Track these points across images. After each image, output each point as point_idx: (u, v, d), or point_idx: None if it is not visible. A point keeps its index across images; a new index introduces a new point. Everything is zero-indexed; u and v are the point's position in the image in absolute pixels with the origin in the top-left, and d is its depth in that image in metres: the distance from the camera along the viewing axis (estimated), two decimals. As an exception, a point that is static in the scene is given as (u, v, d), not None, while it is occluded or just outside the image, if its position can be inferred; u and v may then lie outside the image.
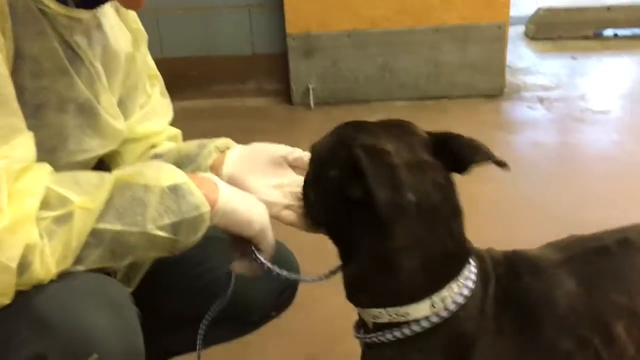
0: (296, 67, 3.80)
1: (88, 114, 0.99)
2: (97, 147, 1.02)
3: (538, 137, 3.30)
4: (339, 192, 0.81)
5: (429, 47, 3.77)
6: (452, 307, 0.80)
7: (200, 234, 0.86)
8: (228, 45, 3.93)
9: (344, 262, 0.87)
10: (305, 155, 1.04)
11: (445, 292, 0.80)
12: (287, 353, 1.66)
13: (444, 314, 0.80)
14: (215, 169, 1.07)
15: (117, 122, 1.06)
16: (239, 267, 0.97)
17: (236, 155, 1.08)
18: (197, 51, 3.92)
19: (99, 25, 1.02)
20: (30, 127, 0.84)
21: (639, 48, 4.88)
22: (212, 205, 0.86)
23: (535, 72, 4.35)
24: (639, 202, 2.41)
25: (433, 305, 0.79)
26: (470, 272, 0.83)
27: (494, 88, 3.85)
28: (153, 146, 1.18)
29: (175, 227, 0.82)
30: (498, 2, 3.67)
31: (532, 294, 0.86)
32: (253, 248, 0.93)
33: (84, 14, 0.95)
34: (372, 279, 0.81)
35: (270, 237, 0.92)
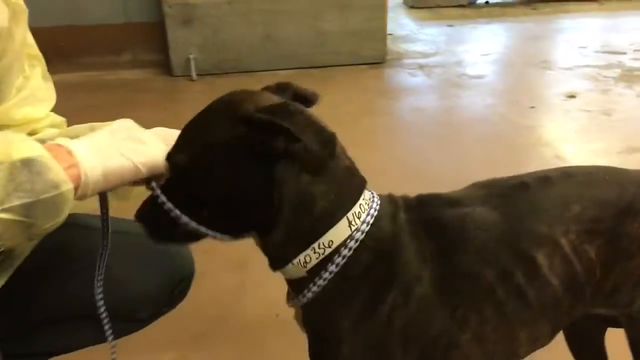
0: (174, 36, 3.63)
1: None
2: None
3: (419, 103, 3.39)
4: (244, 165, 0.78)
5: (311, 15, 3.74)
6: (368, 219, 0.82)
7: (62, 215, 0.75)
8: (98, 14, 3.67)
9: (262, 233, 0.83)
10: None
11: (357, 208, 0.82)
12: (174, 333, 1.59)
13: (363, 227, 0.81)
14: None
15: None
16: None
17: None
18: (64, 20, 3.62)
19: None
20: None
21: (508, 15, 5.16)
22: (76, 179, 0.75)
23: (415, 39, 4.47)
24: (513, 161, 2.54)
25: (350, 223, 0.81)
26: (371, 193, 0.86)
27: (377, 56, 3.90)
28: (31, 133, 1.05)
29: (27, 209, 0.71)
30: (377, -31, 3.70)
31: (449, 223, 0.86)
32: (154, 184, 0.83)
33: None
34: (293, 225, 0.80)
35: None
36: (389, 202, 0.87)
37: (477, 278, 0.84)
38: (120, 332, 1.11)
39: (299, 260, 0.82)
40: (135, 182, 0.84)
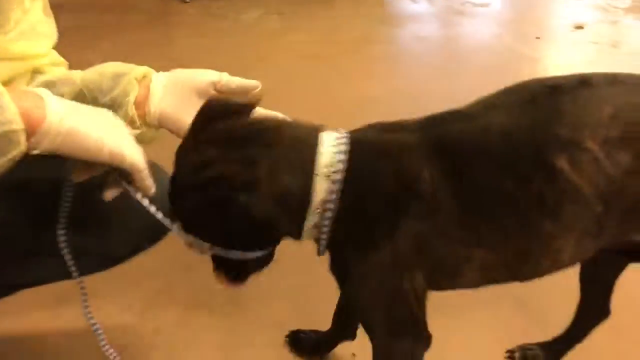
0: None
1: None
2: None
3: (421, 31, 3.27)
4: None
5: None
6: (340, 161, 0.82)
7: (9, 155, 0.70)
8: None
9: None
10: (234, 81, 0.91)
11: (322, 160, 0.82)
12: (162, 262, 1.57)
13: (337, 170, 0.82)
14: (140, 107, 0.90)
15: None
16: (110, 195, 0.83)
17: (161, 87, 0.92)
18: None
19: None
20: None
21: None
22: (36, 124, 0.70)
23: (418, -37, 4.29)
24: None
25: (327, 176, 0.82)
26: (335, 134, 0.85)
27: (378, -20, 3.74)
28: (36, 71, 0.97)
29: None
30: None
31: (461, 136, 0.82)
32: (119, 178, 0.80)
33: None
34: (290, 217, 0.83)
35: (137, 168, 0.79)
36: (379, 130, 0.86)
37: (494, 190, 0.80)
38: (96, 268, 1.08)
39: (308, 227, 0.84)
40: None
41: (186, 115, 0.88)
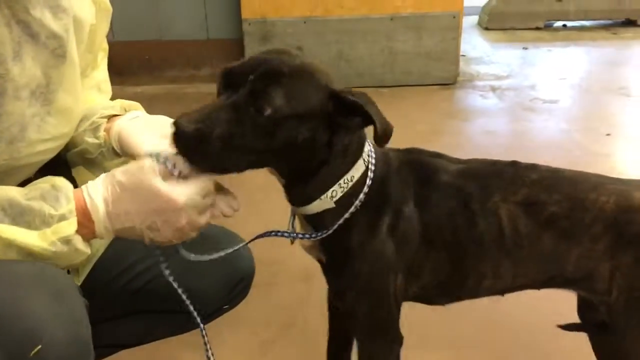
0: (252, 53, 3.74)
1: (44, 99, 0.95)
2: (55, 132, 0.98)
3: (490, 125, 3.37)
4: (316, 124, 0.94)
5: (385, 36, 3.80)
6: (372, 158, 1.03)
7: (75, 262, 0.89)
8: (182, 30, 3.86)
9: (297, 182, 1.00)
10: None
11: (366, 148, 1.03)
12: (243, 338, 1.66)
13: (372, 163, 1.03)
14: (112, 121, 1.06)
15: (76, 101, 1.03)
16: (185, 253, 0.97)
17: (136, 115, 1.07)
18: (151, 35, 3.84)
19: None
20: None
21: (586, 39, 5.04)
22: (89, 236, 0.88)
23: (488, 61, 4.44)
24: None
25: (364, 161, 1.01)
26: (368, 142, 1.06)
27: (448, 77, 3.91)
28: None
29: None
30: (452, -9, 3.72)
31: (427, 164, 1.09)
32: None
33: None
34: (334, 168, 0.99)
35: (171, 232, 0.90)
36: (383, 154, 1.08)
37: (441, 205, 1.05)
38: (182, 329, 1.19)
39: (327, 195, 0.99)
40: None
41: (140, 136, 1.00)
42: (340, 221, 1.00)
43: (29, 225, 0.82)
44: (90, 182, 0.89)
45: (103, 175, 0.89)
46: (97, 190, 0.87)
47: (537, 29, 5.24)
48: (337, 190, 0.99)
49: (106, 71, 1.19)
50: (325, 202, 0.99)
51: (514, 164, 1.11)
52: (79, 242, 0.85)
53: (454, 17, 3.77)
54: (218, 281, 1.18)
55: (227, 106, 0.87)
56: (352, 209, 1.00)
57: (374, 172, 1.02)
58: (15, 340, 0.74)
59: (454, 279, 1.09)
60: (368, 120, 0.92)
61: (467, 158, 1.14)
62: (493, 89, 3.86)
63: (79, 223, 0.85)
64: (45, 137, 0.96)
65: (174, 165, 0.87)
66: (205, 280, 1.15)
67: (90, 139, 1.05)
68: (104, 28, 1.12)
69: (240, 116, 0.87)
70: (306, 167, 0.96)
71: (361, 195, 1.00)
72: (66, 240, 0.84)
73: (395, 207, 1.04)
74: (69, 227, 0.84)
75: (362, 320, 1.08)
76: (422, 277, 1.08)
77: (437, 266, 1.07)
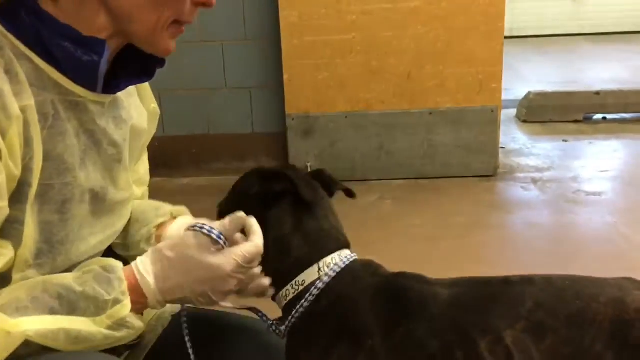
0: (295, 146, 3.89)
1: (100, 200, 1.02)
2: (103, 229, 1.04)
3: (532, 218, 3.34)
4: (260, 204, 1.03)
5: (424, 129, 3.88)
6: (332, 271, 1.01)
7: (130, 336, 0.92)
8: (228, 124, 4.04)
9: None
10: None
11: (328, 260, 1.02)
12: None
13: (332, 273, 1.01)
14: (162, 229, 1.15)
15: (127, 198, 1.11)
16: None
17: (185, 220, 1.15)
18: (198, 129, 4.02)
19: (124, 106, 1.06)
20: (56, 221, 0.91)
21: (627, 132, 5.03)
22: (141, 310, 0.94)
23: (527, 153, 4.46)
24: (634, 284, 2.41)
25: (319, 270, 1.01)
26: (349, 253, 1.06)
27: (488, 169, 3.93)
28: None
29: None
30: (490, 87, 3.81)
31: (411, 292, 1.00)
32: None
33: (109, 97, 0.99)
34: (276, 263, 1.02)
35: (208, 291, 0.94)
36: (364, 266, 1.06)
37: (422, 346, 0.95)
38: None
39: (283, 292, 1.02)
40: None
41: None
42: (288, 326, 1.02)
43: (84, 313, 0.86)
44: (139, 259, 0.94)
45: (150, 251, 0.95)
46: (147, 267, 0.93)
47: (577, 121, 5.27)
48: (290, 291, 1.02)
49: (147, 165, 1.28)
50: (281, 300, 1.04)
51: (507, 281, 1.02)
52: (133, 320, 0.90)
53: (492, 111, 3.85)
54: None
55: None
56: (296, 316, 1.01)
57: (330, 285, 1.00)
58: None
59: None
60: (289, 182, 1.00)
61: (458, 277, 1.06)
62: (534, 181, 3.86)
63: (132, 301, 0.89)
64: (95, 230, 1.02)
65: (219, 235, 0.93)
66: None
67: (146, 247, 1.13)
68: (152, 129, 1.21)
69: None
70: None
71: (304, 302, 1.00)
72: (122, 323, 0.88)
73: (354, 336, 0.97)
74: (123, 309, 0.88)
75: None
76: None
77: None
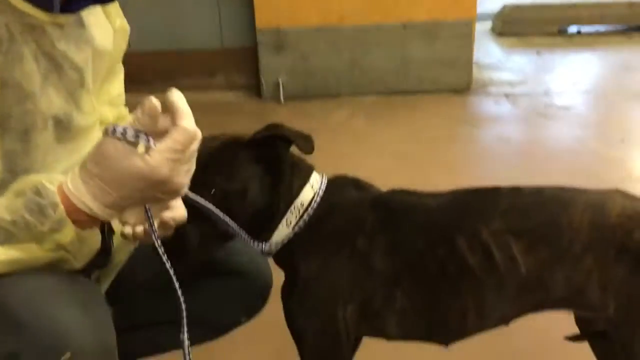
0: (266, 61, 3.80)
1: (64, 126, 0.98)
2: (68, 155, 1.00)
3: (504, 132, 3.36)
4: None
5: (397, 44, 3.81)
6: (323, 187, 1.11)
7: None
8: (196, 39, 3.90)
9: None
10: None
11: (313, 180, 1.11)
12: (257, 346, 1.67)
13: (323, 187, 1.11)
14: None
15: (95, 126, 1.06)
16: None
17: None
18: (165, 45, 3.88)
19: (85, 25, 0.99)
20: (19, 151, 0.87)
21: (601, 45, 5.01)
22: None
23: (501, 67, 4.44)
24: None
25: (312, 186, 1.10)
26: (320, 174, 1.15)
27: (461, 83, 3.91)
28: (120, 118, 1.19)
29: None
30: (465, -2, 3.73)
31: (401, 202, 1.11)
32: (147, 209, 0.85)
33: (69, 18, 0.94)
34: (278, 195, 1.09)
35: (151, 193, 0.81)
36: (343, 179, 1.15)
37: (412, 244, 1.06)
38: (200, 339, 1.20)
39: (285, 220, 1.08)
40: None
41: None
42: (284, 240, 1.08)
43: (19, 241, 0.80)
44: (68, 179, 0.81)
45: (77, 169, 0.81)
46: (79, 187, 0.80)
47: (551, 34, 5.23)
48: (292, 214, 1.09)
49: (121, 85, 1.21)
50: (284, 229, 1.09)
51: (497, 190, 1.10)
52: (79, 237, 0.83)
53: (467, 25, 3.78)
54: (237, 294, 1.20)
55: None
56: (296, 230, 1.08)
57: (323, 198, 1.09)
58: (45, 347, 0.76)
59: (434, 317, 1.09)
60: (287, 140, 1.05)
61: (454, 188, 1.14)
62: (506, 96, 3.86)
63: (74, 221, 0.81)
64: (58, 158, 0.98)
65: (135, 135, 0.78)
66: (223, 292, 1.18)
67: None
68: (121, 46, 1.14)
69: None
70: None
71: (305, 216, 1.08)
72: (62, 246, 0.82)
73: (347, 238, 1.08)
74: (65, 237, 0.82)
75: (306, 344, 1.11)
76: (388, 315, 1.08)
77: (409, 304, 1.07)
